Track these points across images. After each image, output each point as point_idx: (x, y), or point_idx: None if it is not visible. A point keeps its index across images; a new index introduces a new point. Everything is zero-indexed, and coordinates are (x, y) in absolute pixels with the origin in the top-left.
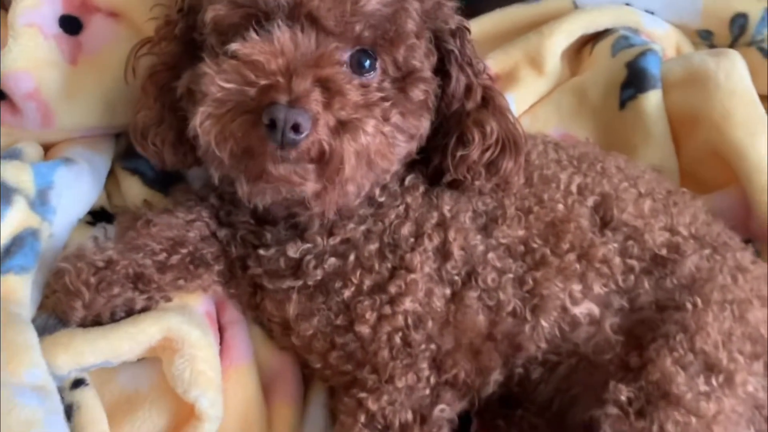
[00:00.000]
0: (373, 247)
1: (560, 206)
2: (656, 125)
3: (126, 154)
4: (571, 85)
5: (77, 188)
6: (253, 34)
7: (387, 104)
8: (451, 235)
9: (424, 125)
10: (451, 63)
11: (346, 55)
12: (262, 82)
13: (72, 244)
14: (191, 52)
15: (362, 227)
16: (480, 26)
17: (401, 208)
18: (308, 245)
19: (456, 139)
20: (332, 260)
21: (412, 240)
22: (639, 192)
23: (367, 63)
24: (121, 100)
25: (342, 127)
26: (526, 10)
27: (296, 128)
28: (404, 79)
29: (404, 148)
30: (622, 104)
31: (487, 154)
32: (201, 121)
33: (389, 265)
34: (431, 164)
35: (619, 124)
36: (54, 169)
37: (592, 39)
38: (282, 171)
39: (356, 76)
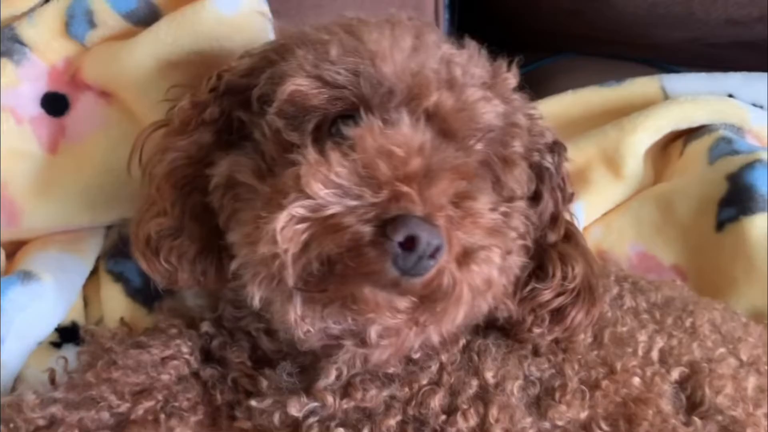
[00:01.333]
0: (394, 422)
1: (636, 380)
2: (763, 256)
3: (114, 253)
4: (654, 194)
5: (36, 309)
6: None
7: (513, 234)
8: (493, 413)
9: (519, 262)
10: (544, 183)
11: None
12: (395, 186)
13: (29, 374)
14: (223, 143)
15: (385, 392)
16: (546, 109)
17: (434, 368)
18: (315, 404)
19: (531, 271)
20: (340, 431)
21: (443, 417)
22: (740, 362)
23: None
24: (105, 197)
25: (466, 256)
26: (605, 94)
27: (435, 254)
28: (504, 204)
29: (513, 273)
30: (720, 226)
31: (560, 300)
32: (284, 225)
33: None
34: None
35: (715, 250)
36: (4, 292)
37: (684, 133)
38: (380, 299)
39: None
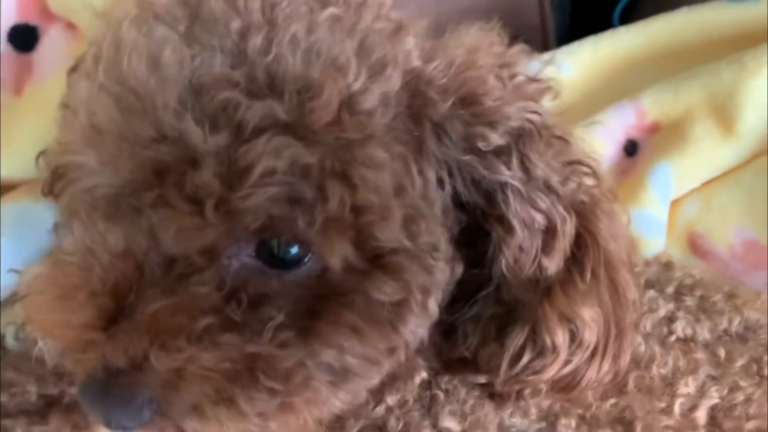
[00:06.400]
0: None
1: None
2: None
3: None
4: None
5: None
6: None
7: (293, 359)
8: None
9: (401, 342)
10: (507, 203)
11: (246, 248)
12: (72, 336)
13: None
14: None
15: None
16: (644, 36)
17: (378, 410)
18: None
19: (525, 336)
20: None
21: None
22: None
23: (293, 251)
24: None
25: (203, 409)
26: (733, 14)
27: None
28: (366, 264)
29: (362, 383)
30: None
31: (568, 368)
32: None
33: None
34: (453, 350)
35: None
36: None
37: None
38: None
39: (274, 270)
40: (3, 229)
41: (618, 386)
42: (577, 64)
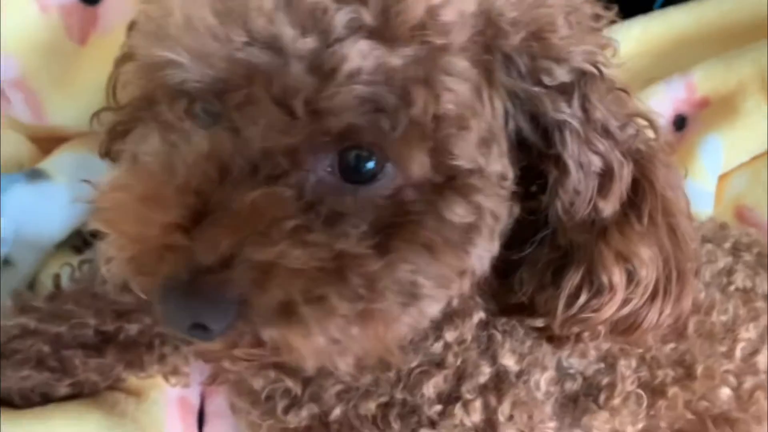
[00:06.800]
0: (373, 405)
1: (725, 392)
2: None
3: None
4: None
5: (44, 209)
6: (155, 137)
7: (376, 266)
8: (505, 408)
9: (469, 265)
10: (564, 143)
11: (325, 159)
12: (155, 240)
13: (46, 274)
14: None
15: (367, 377)
16: (698, 14)
17: (437, 346)
18: (278, 384)
19: (580, 277)
20: (310, 407)
21: (438, 407)
22: None
23: (369, 163)
24: None
25: (287, 312)
26: None
27: (200, 327)
28: (439, 185)
29: (430, 305)
30: None
31: (626, 309)
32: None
33: None
34: (509, 296)
35: None
36: (5, 189)
37: None
38: (206, 350)
39: (349, 186)
40: (60, 177)
41: (678, 331)
42: (626, 42)
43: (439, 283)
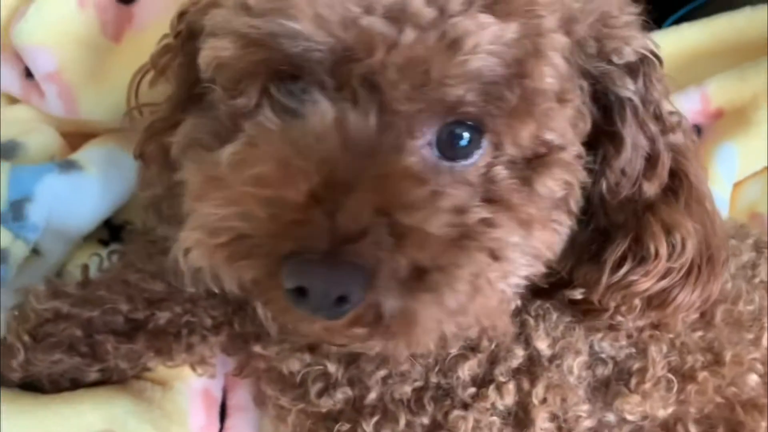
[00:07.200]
0: (409, 389)
1: (753, 378)
2: None
3: None
4: None
5: (75, 200)
6: (269, 113)
7: (496, 232)
8: (538, 391)
9: (557, 239)
10: (624, 120)
11: (429, 133)
12: (290, 211)
13: (73, 265)
14: (197, 94)
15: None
16: (710, 32)
17: (472, 331)
18: (317, 367)
19: (626, 246)
20: (345, 390)
21: (471, 390)
22: None
23: (466, 139)
24: None
25: (418, 279)
26: None
27: (341, 300)
28: (531, 161)
29: (518, 279)
30: None
31: (663, 283)
32: (188, 248)
33: (424, 421)
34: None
35: None
36: (39, 177)
37: None
38: (317, 329)
39: (445, 162)
40: (92, 168)
41: (705, 319)
42: None
43: (533, 257)
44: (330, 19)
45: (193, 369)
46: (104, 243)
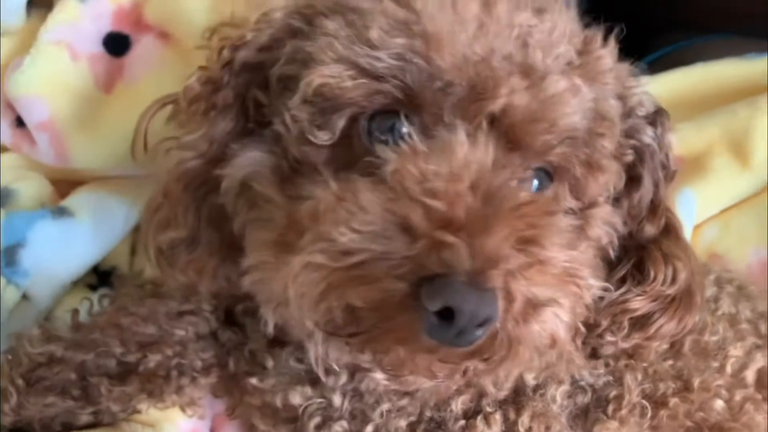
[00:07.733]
0: (404, 423)
1: (718, 403)
2: None
3: None
4: None
5: (66, 246)
6: (407, 137)
7: (589, 251)
8: (524, 420)
9: (595, 287)
10: (644, 163)
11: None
12: (436, 234)
13: (61, 310)
14: (238, 132)
15: (403, 401)
16: (669, 86)
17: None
18: (319, 400)
19: (626, 271)
20: (343, 424)
21: (462, 422)
22: None
23: (535, 185)
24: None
25: (529, 312)
26: (744, 68)
27: (483, 323)
28: (583, 211)
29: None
30: None
31: (650, 306)
32: (298, 272)
33: None
34: None
35: None
36: (32, 223)
37: None
38: (419, 363)
39: None
40: (83, 215)
41: (675, 348)
42: None
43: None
44: (470, 59)
45: (183, 410)
46: (92, 288)
